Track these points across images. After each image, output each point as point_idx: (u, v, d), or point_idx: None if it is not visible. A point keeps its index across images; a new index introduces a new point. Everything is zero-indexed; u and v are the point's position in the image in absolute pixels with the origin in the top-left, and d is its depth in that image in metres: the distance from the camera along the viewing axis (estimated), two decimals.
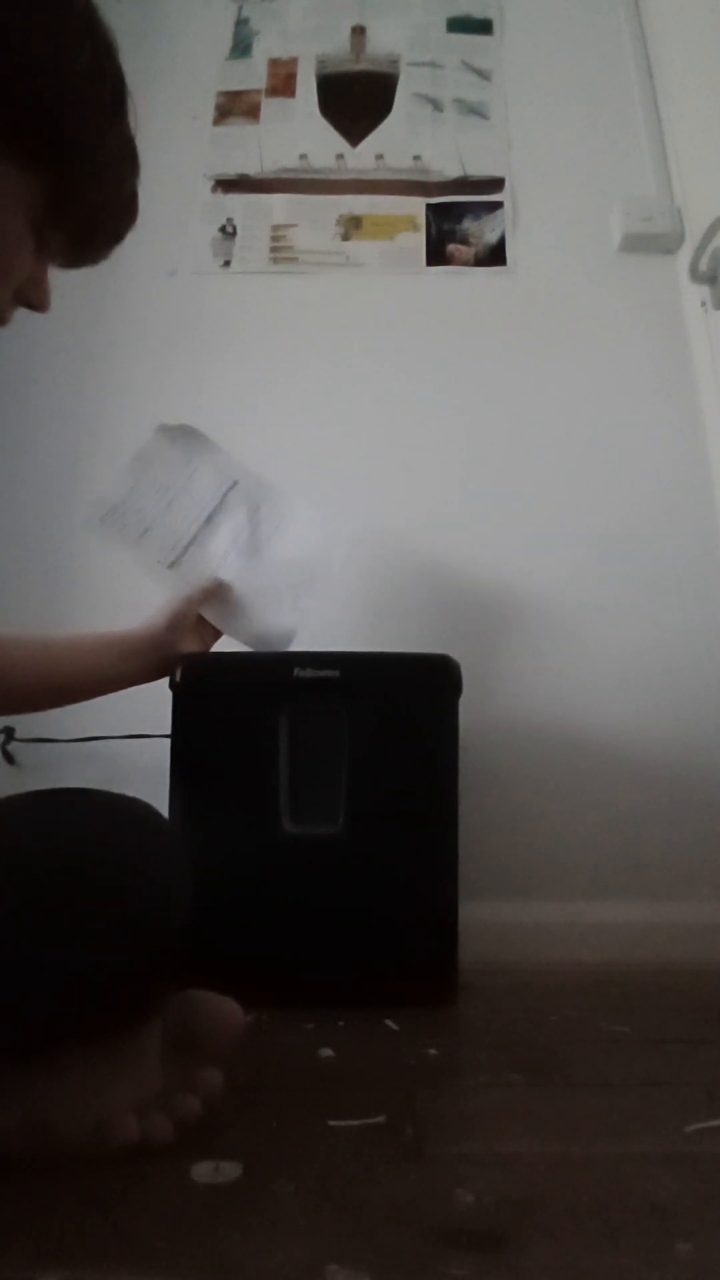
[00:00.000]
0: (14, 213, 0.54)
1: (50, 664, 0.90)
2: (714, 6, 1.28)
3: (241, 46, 1.51)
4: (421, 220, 1.41)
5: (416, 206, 1.41)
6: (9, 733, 1.14)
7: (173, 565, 1.02)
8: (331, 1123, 0.60)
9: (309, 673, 0.92)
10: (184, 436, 1.06)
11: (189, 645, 0.97)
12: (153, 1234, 0.47)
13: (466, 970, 0.91)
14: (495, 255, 1.39)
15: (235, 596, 1.01)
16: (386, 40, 1.50)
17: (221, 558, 1.02)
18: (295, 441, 1.30)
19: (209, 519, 1.03)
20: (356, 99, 1.48)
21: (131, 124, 0.59)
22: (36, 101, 0.52)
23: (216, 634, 1.01)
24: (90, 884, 0.55)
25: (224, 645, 1.03)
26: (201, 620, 0.99)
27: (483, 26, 1.51)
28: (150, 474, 1.04)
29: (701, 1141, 0.58)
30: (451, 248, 1.39)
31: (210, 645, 1.01)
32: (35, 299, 0.60)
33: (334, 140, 1.46)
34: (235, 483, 1.04)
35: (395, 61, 1.49)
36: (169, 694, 0.92)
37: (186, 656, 0.94)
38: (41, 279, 0.60)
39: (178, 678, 0.92)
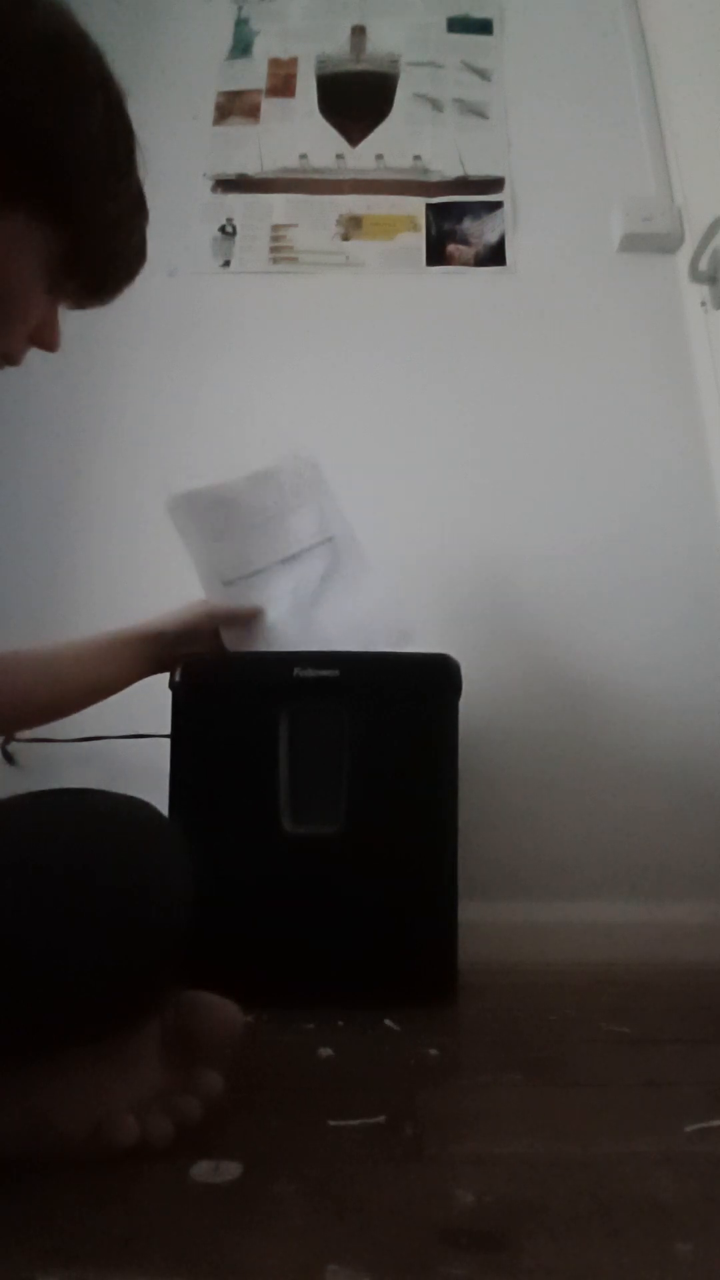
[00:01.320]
0: (29, 262, 0.56)
1: (54, 679, 0.88)
2: (714, 6, 1.28)
3: (241, 46, 1.51)
4: (421, 220, 1.41)
5: (416, 206, 1.41)
6: (10, 734, 1.14)
7: (228, 584, 0.98)
8: (331, 1123, 0.60)
9: (309, 673, 0.92)
10: (307, 470, 1.01)
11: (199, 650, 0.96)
12: (153, 1234, 0.47)
13: (466, 970, 0.91)
14: (495, 255, 1.39)
15: (261, 633, 0.98)
16: (386, 40, 1.50)
17: (276, 600, 0.98)
18: (294, 440, 1.30)
19: (288, 559, 0.98)
20: (356, 99, 1.48)
21: (141, 174, 0.61)
22: (50, 160, 0.53)
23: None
24: (90, 884, 0.55)
25: None
26: (215, 634, 0.98)
27: (483, 26, 1.51)
28: (258, 490, 1.00)
29: (701, 1141, 0.58)
30: (451, 248, 1.39)
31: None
32: (47, 340, 0.62)
33: (334, 140, 1.46)
34: (331, 539, 0.99)
35: (395, 61, 1.49)
36: (169, 694, 0.92)
37: (186, 656, 0.94)
38: (53, 321, 0.62)
39: (178, 678, 0.92)
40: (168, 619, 0.95)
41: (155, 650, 0.93)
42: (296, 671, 0.92)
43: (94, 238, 0.58)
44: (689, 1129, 0.59)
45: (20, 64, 0.51)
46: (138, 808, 0.63)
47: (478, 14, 1.51)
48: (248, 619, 0.98)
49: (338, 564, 0.99)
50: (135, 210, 0.62)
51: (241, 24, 1.53)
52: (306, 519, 1.00)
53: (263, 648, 0.98)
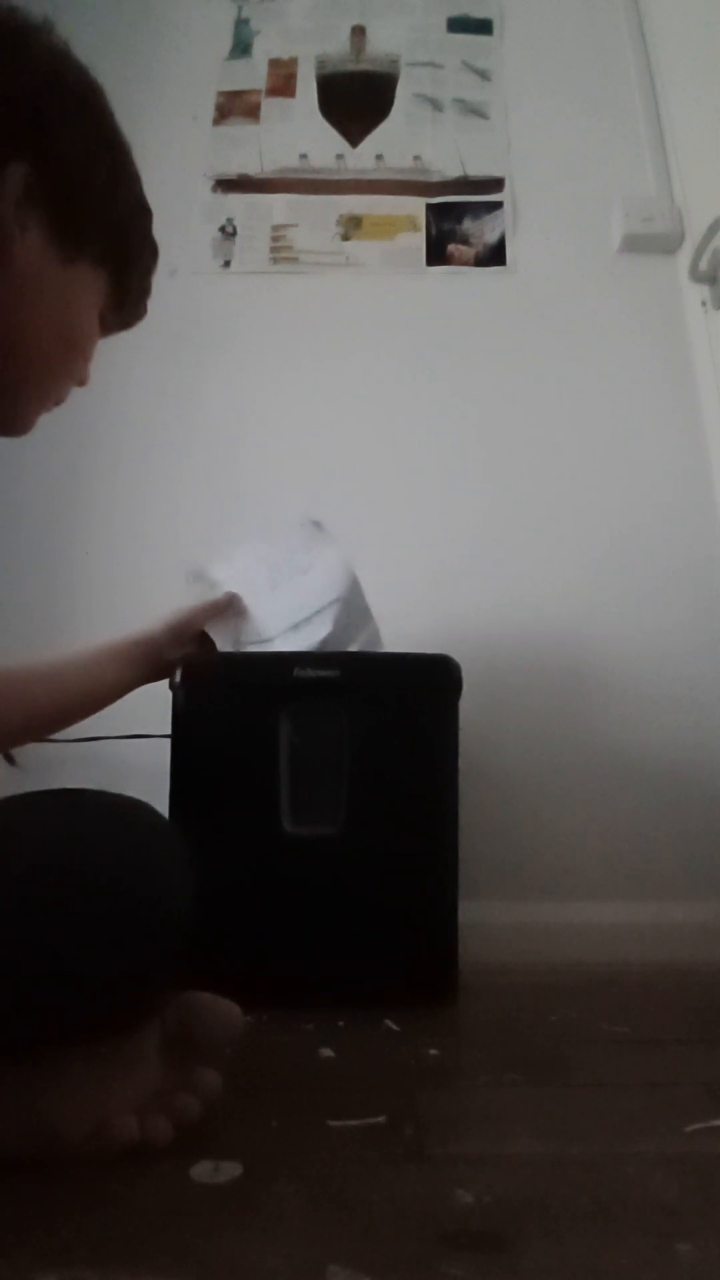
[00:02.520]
0: (91, 307, 0.64)
1: (62, 689, 0.89)
2: (714, 6, 1.28)
3: (241, 46, 1.51)
4: (421, 220, 1.41)
5: (416, 206, 1.41)
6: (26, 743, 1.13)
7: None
8: (331, 1123, 0.60)
9: (309, 673, 0.92)
10: (311, 530, 1.02)
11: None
12: (153, 1234, 0.47)
13: (466, 970, 0.91)
14: (495, 255, 1.39)
15: (243, 622, 0.99)
16: (386, 40, 1.50)
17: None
18: (294, 441, 1.30)
19: (296, 625, 0.98)
20: (356, 99, 1.48)
21: None
22: (109, 210, 0.61)
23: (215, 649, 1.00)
24: (90, 885, 0.55)
25: None
26: (204, 635, 0.98)
27: (483, 26, 1.51)
28: (267, 558, 1.01)
29: (701, 1141, 0.58)
30: (451, 248, 1.39)
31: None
32: (84, 375, 0.69)
33: (334, 140, 1.46)
34: (337, 600, 0.98)
35: (395, 61, 1.49)
36: (169, 694, 0.92)
37: (187, 657, 0.94)
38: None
39: (178, 678, 0.92)
40: (156, 624, 0.95)
41: (149, 655, 0.93)
42: (296, 671, 0.92)
43: (136, 274, 0.66)
44: (689, 1129, 0.59)
45: (65, 117, 0.56)
46: (137, 808, 0.63)
47: (478, 14, 1.51)
48: (223, 606, 0.99)
49: (347, 626, 0.98)
50: (154, 245, 0.68)
51: (241, 24, 1.53)
52: (313, 583, 1.00)
53: (250, 647, 0.98)
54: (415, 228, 1.40)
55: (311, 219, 1.41)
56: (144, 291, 0.69)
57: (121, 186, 0.62)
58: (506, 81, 1.47)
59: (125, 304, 0.67)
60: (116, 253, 0.63)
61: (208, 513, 1.26)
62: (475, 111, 1.46)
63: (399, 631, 1.00)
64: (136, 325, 0.72)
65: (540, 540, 1.26)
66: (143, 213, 0.65)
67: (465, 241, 1.39)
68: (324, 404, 1.32)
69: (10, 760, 1.15)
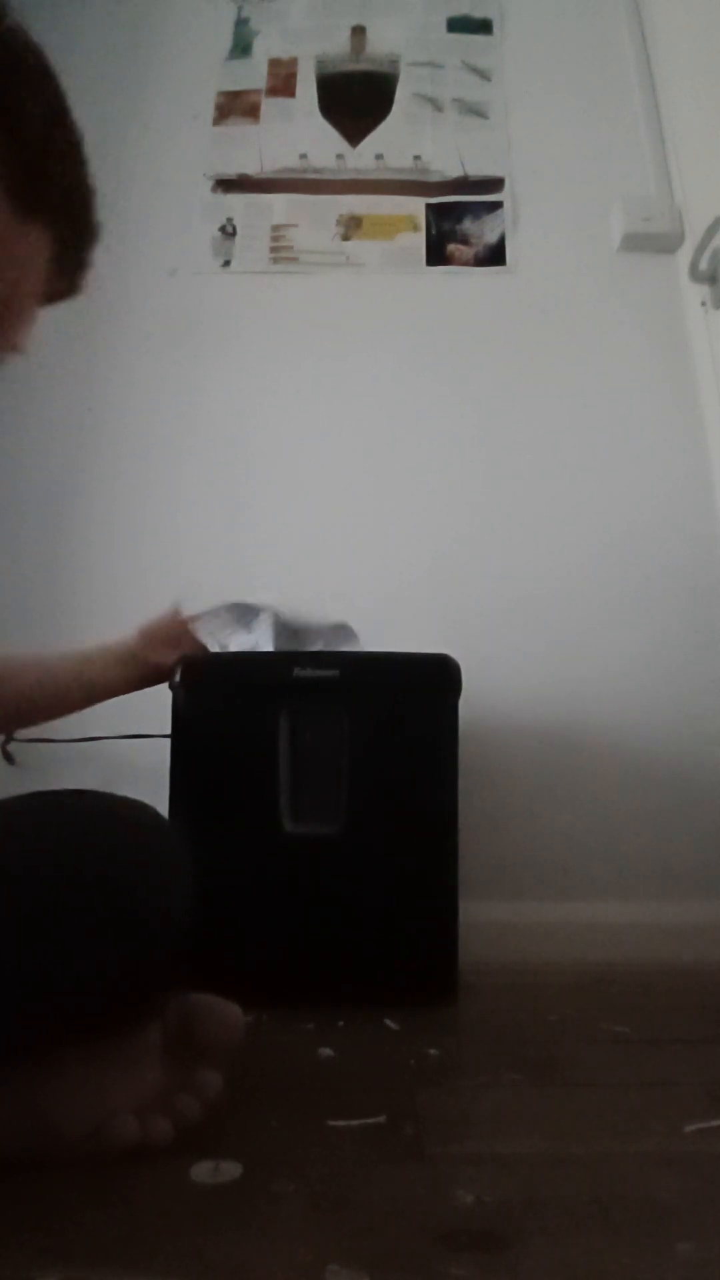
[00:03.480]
0: (35, 269, 0.62)
1: (49, 679, 0.91)
2: (714, 6, 1.28)
3: (241, 46, 1.51)
4: (421, 220, 1.41)
5: (416, 206, 1.41)
6: (8, 733, 1.14)
7: None
8: (331, 1123, 0.60)
9: (309, 673, 0.92)
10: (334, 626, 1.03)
11: (165, 658, 0.95)
12: (153, 1234, 0.47)
13: (466, 970, 0.91)
14: (495, 255, 1.39)
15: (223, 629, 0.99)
16: (386, 40, 1.50)
17: None
18: (294, 440, 1.30)
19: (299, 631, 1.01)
20: (356, 99, 1.48)
21: None
22: (60, 175, 0.59)
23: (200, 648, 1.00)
24: (90, 885, 0.55)
25: None
26: (186, 637, 0.98)
27: (483, 26, 1.51)
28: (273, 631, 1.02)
29: (701, 1141, 0.58)
30: (451, 247, 1.39)
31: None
32: (24, 341, 0.66)
33: (334, 140, 1.46)
34: (344, 625, 1.01)
35: (395, 61, 1.49)
36: (169, 694, 0.92)
37: (186, 657, 0.94)
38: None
39: (177, 678, 0.92)
40: (130, 631, 0.95)
41: (129, 657, 0.94)
42: (296, 671, 0.92)
43: (81, 245, 0.63)
44: (689, 1129, 0.59)
45: (27, 82, 0.54)
46: (137, 809, 0.63)
47: (478, 14, 1.51)
48: (175, 613, 0.98)
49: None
50: (98, 224, 0.65)
51: (241, 24, 1.52)
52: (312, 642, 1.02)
53: (236, 646, 0.98)
54: (415, 227, 1.40)
55: (311, 219, 1.41)
56: (84, 264, 0.67)
57: (77, 159, 0.61)
58: (506, 81, 1.47)
59: (64, 273, 0.65)
60: (66, 220, 0.62)
61: (208, 512, 1.26)
62: (475, 111, 1.46)
63: (399, 631, 1.00)
64: (70, 299, 0.69)
65: (540, 538, 1.26)
66: (91, 192, 0.64)
67: (465, 241, 1.39)
68: (324, 403, 1.32)
69: (9, 759, 1.15)
